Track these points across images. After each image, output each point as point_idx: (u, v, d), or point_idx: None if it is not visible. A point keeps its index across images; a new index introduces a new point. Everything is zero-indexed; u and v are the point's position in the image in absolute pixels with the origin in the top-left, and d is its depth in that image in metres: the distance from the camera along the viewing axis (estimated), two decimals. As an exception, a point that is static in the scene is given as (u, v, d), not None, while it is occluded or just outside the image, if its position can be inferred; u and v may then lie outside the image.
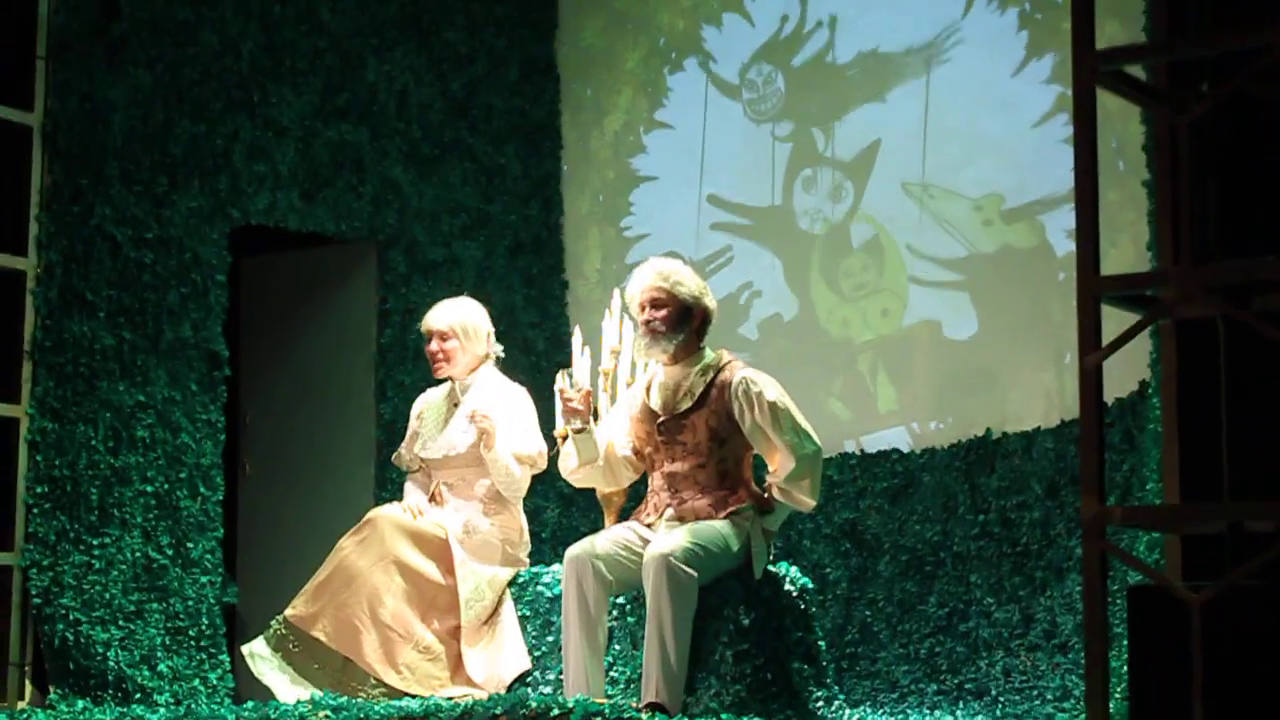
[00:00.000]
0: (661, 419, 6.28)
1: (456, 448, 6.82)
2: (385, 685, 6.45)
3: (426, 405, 7.07)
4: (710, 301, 6.37)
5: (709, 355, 6.35)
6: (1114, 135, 7.28)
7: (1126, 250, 7.23)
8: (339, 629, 6.51)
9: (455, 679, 6.56)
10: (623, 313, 6.72)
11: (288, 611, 6.56)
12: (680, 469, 6.28)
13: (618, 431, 6.45)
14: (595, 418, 6.45)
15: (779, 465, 6.19)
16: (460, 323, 6.89)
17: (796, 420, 6.18)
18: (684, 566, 5.96)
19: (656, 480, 6.35)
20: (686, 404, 6.25)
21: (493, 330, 6.98)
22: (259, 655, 6.52)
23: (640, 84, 8.76)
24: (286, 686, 6.46)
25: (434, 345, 6.88)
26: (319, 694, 6.28)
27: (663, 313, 6.28)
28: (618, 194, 8.78)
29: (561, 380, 6.40)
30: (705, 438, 6.23)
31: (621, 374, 6.79)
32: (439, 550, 6.64)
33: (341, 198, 8.02)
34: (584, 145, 8.88)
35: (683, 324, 6.31)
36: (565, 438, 6.52)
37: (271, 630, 6.55)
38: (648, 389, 6.41)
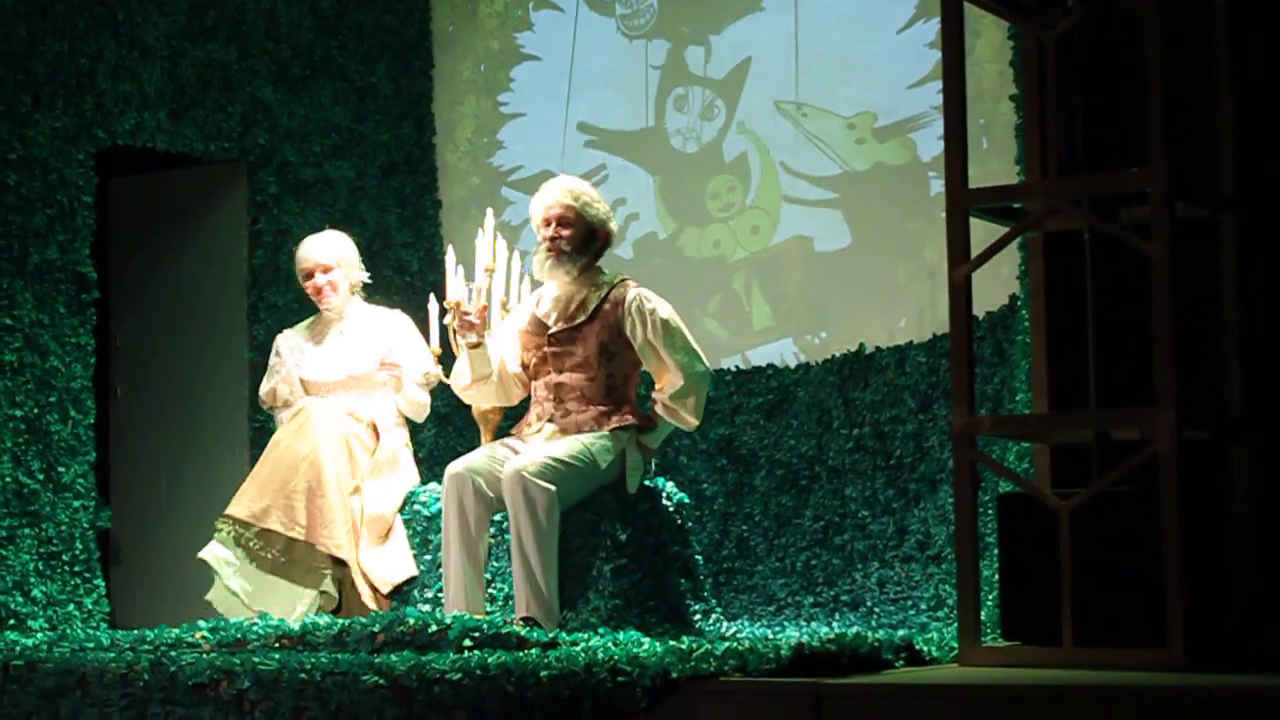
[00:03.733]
0: (553, 330, 6.30)
1: (364, 368, 6.88)
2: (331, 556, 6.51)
3: (295, 339, 7.14)
4: (614, 225, 6.42)
5: (606, 274, 6.38)
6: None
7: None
8: (290, 516, 6.52)
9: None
10: (495, 230, 6.71)
11: (234, 511, 6.57)
12: (567, 380, 6.30)
13: (508, 347, 6.46)
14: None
15: (666, 382, 6.25)
16: (340, 253, 7.05)
17: (688, 340, 6.25)
18: (538, 481, 5.99)
19: (541, 390, 6.37)
20: (580, 317, 6.28)
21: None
22: (223, 559, 6.51)
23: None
24: (253, 587, 6.52)
25: (319, 279, 7.01)
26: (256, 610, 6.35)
27: (569, 232, 6.29)
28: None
29: (457, 294, 6.39)
30: (595, 351, 6.25)
31: (495, 292, 6.78)
32: (371, 437, 6.74)
33: (210, 118, 7.91)
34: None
35: (587, 246, 6.32)
36: (433, 381, 6.57)
37: (224, 532, 6.55)
38: (538, 301, 6.42)
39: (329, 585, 6.57)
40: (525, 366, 6.45)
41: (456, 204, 8.66)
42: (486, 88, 8.71)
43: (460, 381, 6.48)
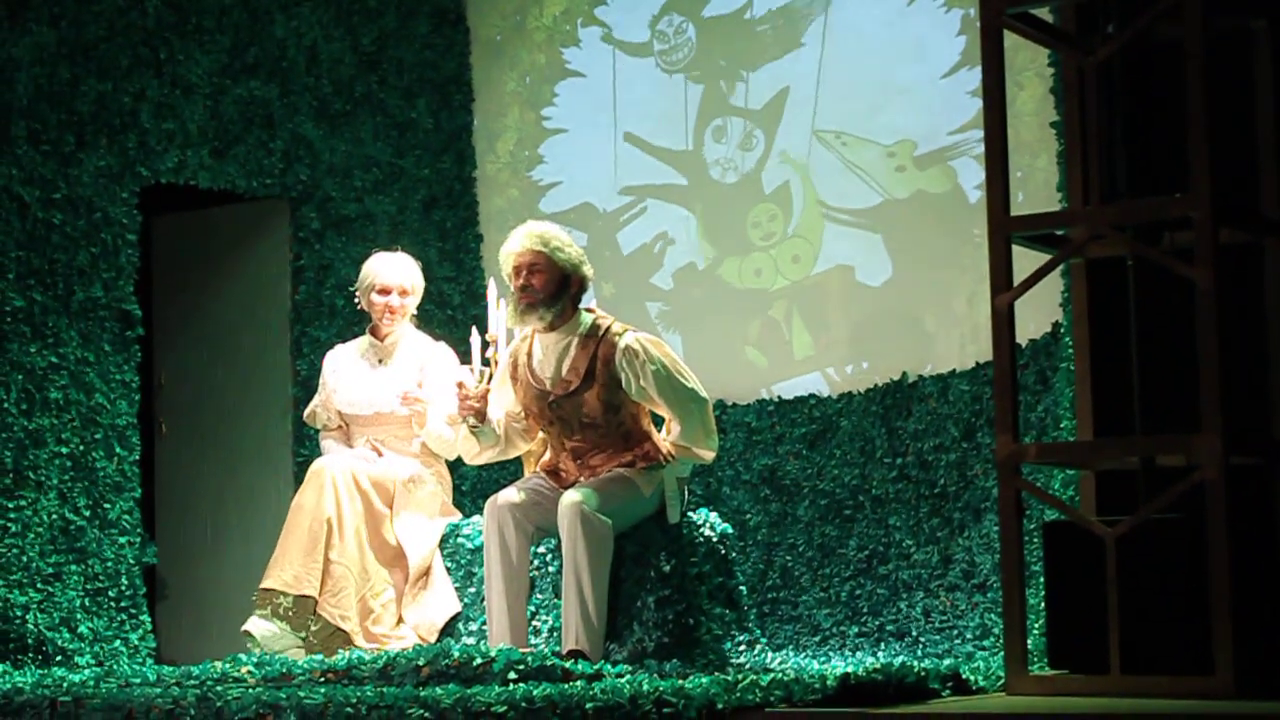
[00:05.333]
0: (553, 398, 6.23)
1: (392, 407, 6.87)
2: (343, 632, 6.50)
3: (341, 360, 7.10)
4: (588, 269, 6.27)
5: (585, 320, 6.25)
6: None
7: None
8: (321, 582, 6.54)
9: (395, 628, 6.61)
10: (499, 299, 6.69)
11: (273, 584, 6.55)
12: (583, 443, 6.26)
13: (506, 403, 6.40)
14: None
15: (669, 427, 6.23)
16: (416, 279, 7.04)
17: (679, 382, 6.15)
18: (598, 515, 5.99)
19: (562, 453, 6.33)
20: (575, 382, 6.19)
21: None
22: (267, 633, 6.49)
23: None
24: (295, 650, 6.49)
25: (394, 299, 6.98)
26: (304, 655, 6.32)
27: (539, 279, 6.16)
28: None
29: (461, 374, 6.36)
30: (600, 411, 6.19)
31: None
32: (390, 500, 6.70)
33: (252, 154, 7.96)
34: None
35: (561, 292, 6.20)
36: (459, 422, 6.49)
37: (266, 608, 6.53)
38: (528, 361, 6.32)
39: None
40: (527, 415, 6.39)
41: (494, 214, 8.67)
42: (530, 101, 8.71)
43: (469, 451, 6.46)
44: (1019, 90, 7.25)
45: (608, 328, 6.22)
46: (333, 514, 6.59)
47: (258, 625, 6.52)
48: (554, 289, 6.19)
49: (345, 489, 6.64)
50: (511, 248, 6.24)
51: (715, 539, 6.37)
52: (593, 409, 6.19)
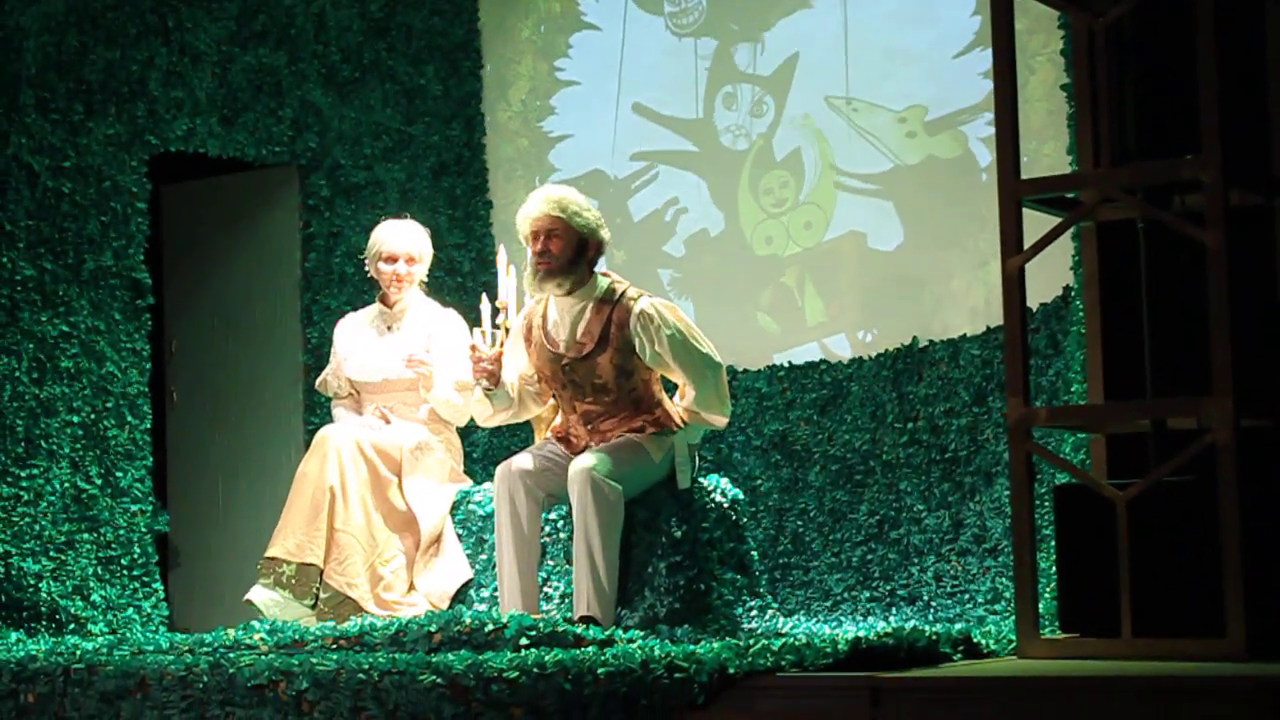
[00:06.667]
0: (566, 362, 6.20)
1: (400, 374, 6.86)
2: (352, 600, 6.51)
3: (351, 328, 7.09)
4: (605, 233, 6.22)
5: (601, 284, 6.21)
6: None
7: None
8: (326, 550, 6.54)
9: (407, 595, 6.62)
10: (509, 265, 6.67)
11: (276, 552, 6.55)
12: (594, 408, 6.24)
13: (520, 366, 6.38)
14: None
15: (683, 392, 6.21)
16: (426, 248, 6.99)
17: (693, 347, 6.12)
18: (609, 481, 5.98)
19: (573, 418, 6.32)
20: (589, 345, 6.16)
21: None
22: (269, 602, 6.49)
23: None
24: (305, 618, 6.48)
25: (401, 267, 6.93)
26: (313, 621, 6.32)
27: (557, 245, 6.11)
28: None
29: (474, 337, 6.35)
30: (612, 375, 6.17)
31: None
32: (396, 467, 6.69)
33: (261, 122, 7.95)
34: None
35: (579, 258, 6.15)
36: (469, 388, 6.47)
37: (269, 577, 6.54)
38: (543, 324, 6.29)
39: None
40: (540, 379, 6.38)
41: (503, 162, 8.65)
42: (544, 50, 8.67)
43: (482, 414, 6.44)
44: (1030, 74, 7.23)
45: (623, 292, 6.19)
46: (336, 482, 6.59)
47: (259, 594, 6.53)
48: (571, 254, 6.14)
49: (349, 457, 6.64)
50: (529, 212, 6.18)
51: (726, 504, 6.37)
52: (605, 374, 6.17)
